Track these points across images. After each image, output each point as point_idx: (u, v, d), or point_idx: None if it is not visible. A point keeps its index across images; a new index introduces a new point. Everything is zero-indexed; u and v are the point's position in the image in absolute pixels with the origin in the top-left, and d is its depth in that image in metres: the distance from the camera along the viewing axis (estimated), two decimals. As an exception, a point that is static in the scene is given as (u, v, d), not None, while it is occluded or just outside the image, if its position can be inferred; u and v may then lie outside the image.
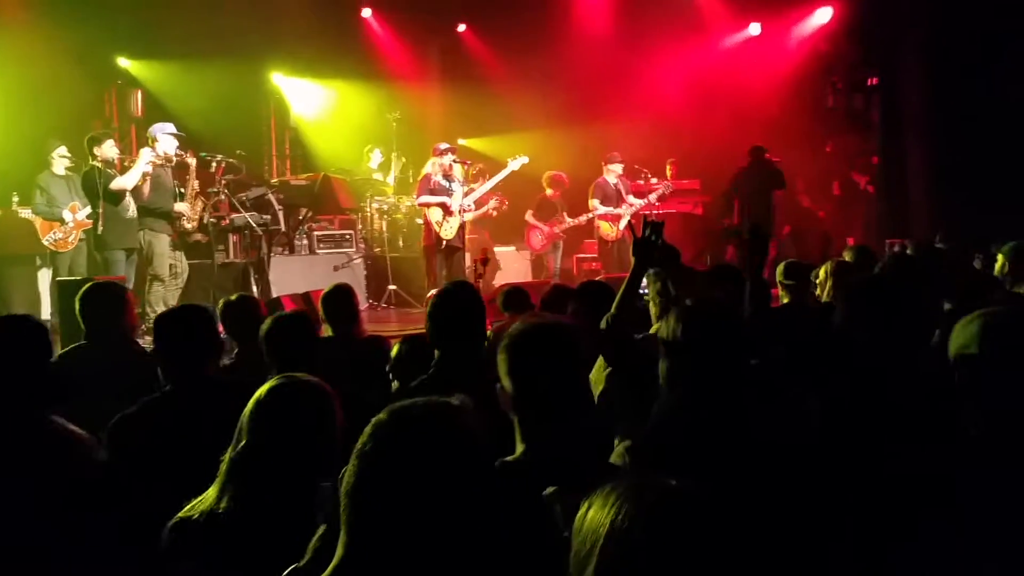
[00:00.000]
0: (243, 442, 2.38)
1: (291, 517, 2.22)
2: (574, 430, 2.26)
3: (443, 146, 10.05)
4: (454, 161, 10.01)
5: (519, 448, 2.25)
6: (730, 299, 4.26)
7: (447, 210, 9.73)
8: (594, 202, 11.30)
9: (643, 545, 1.38)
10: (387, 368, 4.05)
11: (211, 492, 2.40)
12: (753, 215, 11.55)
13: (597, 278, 10.04)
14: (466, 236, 9.90)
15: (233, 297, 5.15)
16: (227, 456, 2.40)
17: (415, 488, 1.66)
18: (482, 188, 10.06)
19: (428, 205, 9.80)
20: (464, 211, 9.79)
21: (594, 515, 1.44)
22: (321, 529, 1.98)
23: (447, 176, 9.85)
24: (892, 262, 5.06)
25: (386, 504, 1.66)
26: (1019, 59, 11.25)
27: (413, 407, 1.76)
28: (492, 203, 10.48)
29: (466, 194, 9.83)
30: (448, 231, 9.73)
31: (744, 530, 1.50)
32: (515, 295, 5.54)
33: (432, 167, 9.91)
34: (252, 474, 2.35)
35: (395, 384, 3.94)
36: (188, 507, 2.40)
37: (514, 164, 10.16)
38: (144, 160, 8.44)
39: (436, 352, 3.44)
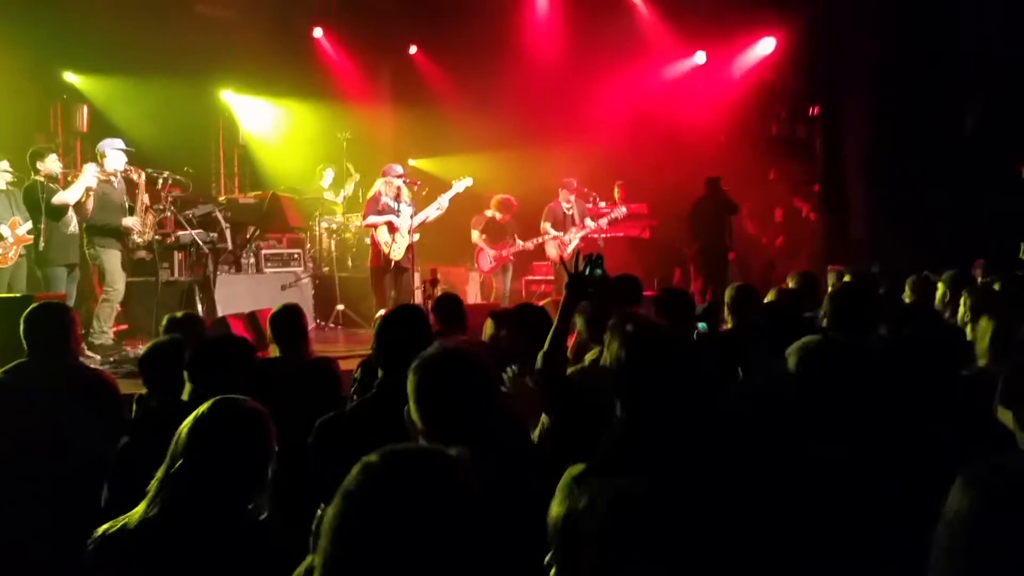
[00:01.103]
0: (179, 462, 2.40)
1: (217, 535, 2.29)
2: (487, 452, 2.28)
3: (397, 169, 10.05)
4: (405, 182, 10.01)
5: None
6: (678, 323, 4.30)
7: (394, 230, 9.73)
8: (545, 225, 11.38)
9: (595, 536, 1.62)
10: (352, 391, 4.04)
11: (138, 508, 2.42)
12: (709, 239, 11.70)
13: (544, 300, 10.08)
14: (414, 256, 9.86)
15: (179, 314, 5.07)
16: (159, 474, 2.43)
17: (400, 535, 1.61)
18: (428, 210, 10.04)
19: (375, 225, 9.80)
20: (412, 231, 9.78)
21: (556, 509, 1.73)
22: (309, 559, 1.95)
23: (396, 197, 9.86)
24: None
25: (368, 547, 1.61)
26: (962, 89, 11.55)
27: (407, 452, 1.71)
28: (434, 207, 10.31)
29: (413, 215, 9.82)
30: (396, 251, 9.75)
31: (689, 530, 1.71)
32: (448, 303, 5.53)
33: (381, 187, 9.92)
34: (184, 492, 2.38)
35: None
36: (111, 523, 2.42)
37: (459, 186, 10.17)
38: (88, 175, 8.29)
39: (379, 372, 3.46)
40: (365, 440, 3.10)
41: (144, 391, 3.99)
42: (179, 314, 5.09)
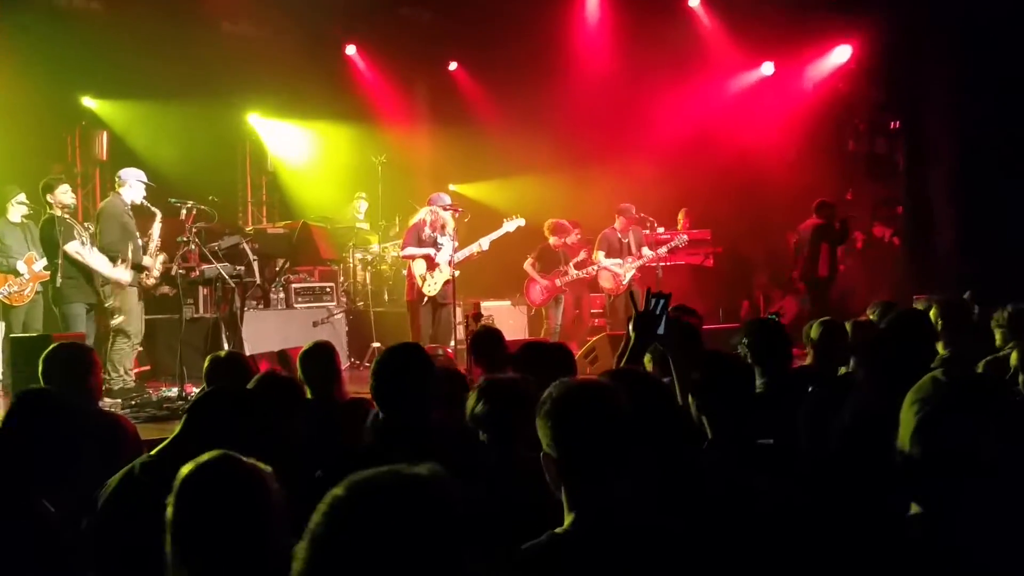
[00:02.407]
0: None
1: None
2: (627, 494, 2.32)
3: (444, 199, 10.09)
4: (453, 214, 10.03)
5: (568, 518, 2.31)
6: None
7: (433, 265, 9.77)
8: (599, 254, 11.43)
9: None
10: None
11: None
12: (815, 272, 11.72)
13: (598, 336, 10.11)
14: (453, 290, 9.88)
15: (222, 354, 5.17)
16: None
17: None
18: (469, 248, 10.04)
19: (412, 257, 9.85)
20: (453, 266, 9.80)
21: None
22: None
23: (440, 229, 9.89)
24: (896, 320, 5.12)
25: None
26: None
27: (375, 479, 1.61)
28: (475, 246, 10.35)
29: (456, 250, 9.85)
30: (431, 287, 9.75)
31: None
32: (485, 339, 5.57)
33: (426, 216, 9.94)
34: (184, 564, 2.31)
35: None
36: None
37: (509, 226, 10.18)
38: (123, 274, 8.55)
39: (380, 415, 3.58)
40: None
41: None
42: (222, 353, 5.18)
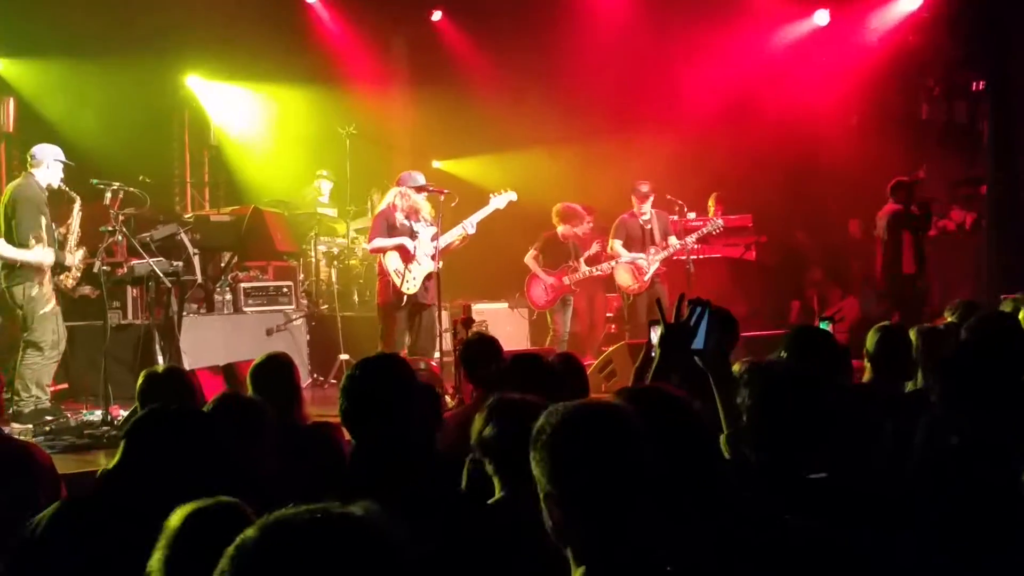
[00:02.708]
0: None
1: None
2: (647, 544, 2.31)
3: (416, 178, 10.04)
4: (428, 194, 9.98)
5: (576, 574, 2.31)
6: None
7: (409, 257, 9.73)
8: (615, 244, 11.41)
9: None
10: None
11: None
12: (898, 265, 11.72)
13: (616, 346, 10.11)
14: (438, 289, 9.85)
15: (160, 369, 5.16)
16: None
17: None
18: (451, 232, 10.00)
19: (383, 250, 9.81)
20: (435, 258, 9.76)
21: None
22: None
23: (413, 215, 9.86)
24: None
25: None
26: None
27: (293, 521, 1.60)
28: (458, 230, 10.29)
29: (435, 237, 9.83)
30: (410, 284, 9.71)
31: None
32: (477, 348, 5.61)
33: (395, 201, 9.91)
34: None
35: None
36: None
37: (498, 201, 10.13)
38: (47, 256, 8.54)
39: (352, 440, 3.58)
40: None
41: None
42: (160, 368, 5.17)
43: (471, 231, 9.98)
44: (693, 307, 3.62)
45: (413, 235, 9.82)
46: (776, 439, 3.22)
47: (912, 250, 11.80)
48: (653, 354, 4.63)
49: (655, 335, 4.76)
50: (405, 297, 9.71)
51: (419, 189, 9.92)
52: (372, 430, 3.68)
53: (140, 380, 5.05)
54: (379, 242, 9.83)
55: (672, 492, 2.52)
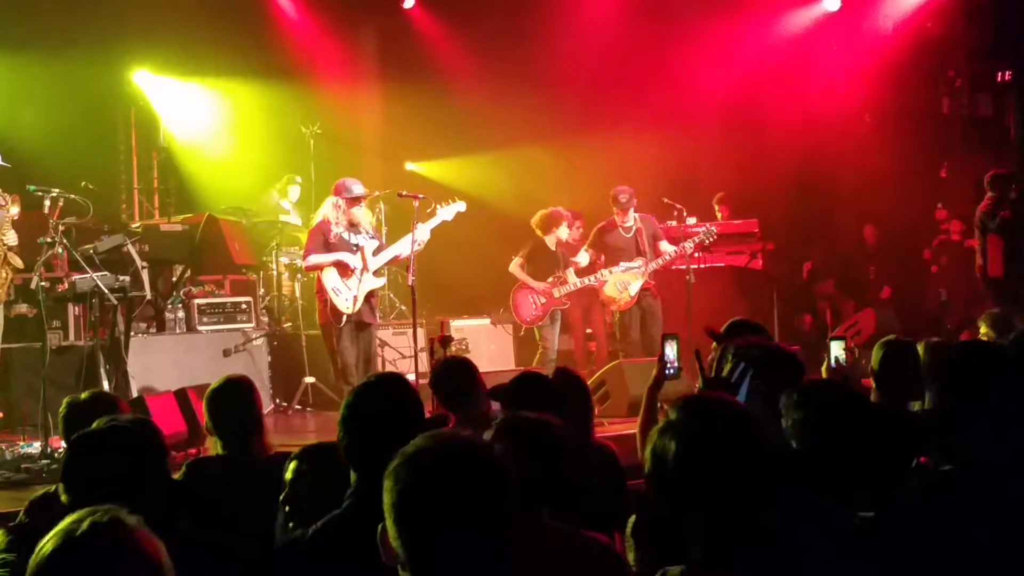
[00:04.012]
0: None
1: None
2: None
3: (354, 188, 10.04)
4: (389, 197, 10.02)
5: None
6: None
7: (347, 273, 9.76)
8: (584, 255, 11.44)
9: None
10: (280, 498, 4.05)
11: None
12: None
13: (610, 366, 10.08)
14: (413, 304, 9.84)
15: (83, 396, 5.10)
16: None
17: None
18: (399, 244, 10.01)
19: (320, 267, 9.83)
20: (377, 274, 9.85)
21: None
22: None
23: (351, 227, 9.90)
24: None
25: None
26: None
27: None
28: (406, 241, 10.28)
29: (377, 251, 9.86)
30: (346, 302, 9.74)
31: None
32: (450, 373, 5.60)
33: (331, 213, 9.92)
34: None
35: (291, 525, 3.92)
36: None
37: (445, 212, 10.16)
38: None
39: (352, 475, 3.47)
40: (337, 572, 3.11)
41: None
42: (84, 396, 5.12)
43: (425, 239, 9.96)
44: (737, 361, 3.66)
45: (352, 249, 9.83)
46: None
47: (998, 252, 11.69)
48: (669, 371, 4.63)
49: (671, 350, 4.78)
50: (344, 316, 9.72)
51: (355, 200, 9.92)
52: (378, 460, 3.51)
53: (62, 408, 5.00)
54: (315, 258, 9.87)
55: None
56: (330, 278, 9.79)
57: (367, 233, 9.99)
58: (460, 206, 10.16)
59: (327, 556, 3.25)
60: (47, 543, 2.30)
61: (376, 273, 9.85)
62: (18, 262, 8.97)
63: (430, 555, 2.26)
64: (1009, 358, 4.47)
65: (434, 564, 2.26)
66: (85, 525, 2.34)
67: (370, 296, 9.86)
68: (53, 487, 3.61)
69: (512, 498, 2.33)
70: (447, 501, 2.27)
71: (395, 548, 2.29)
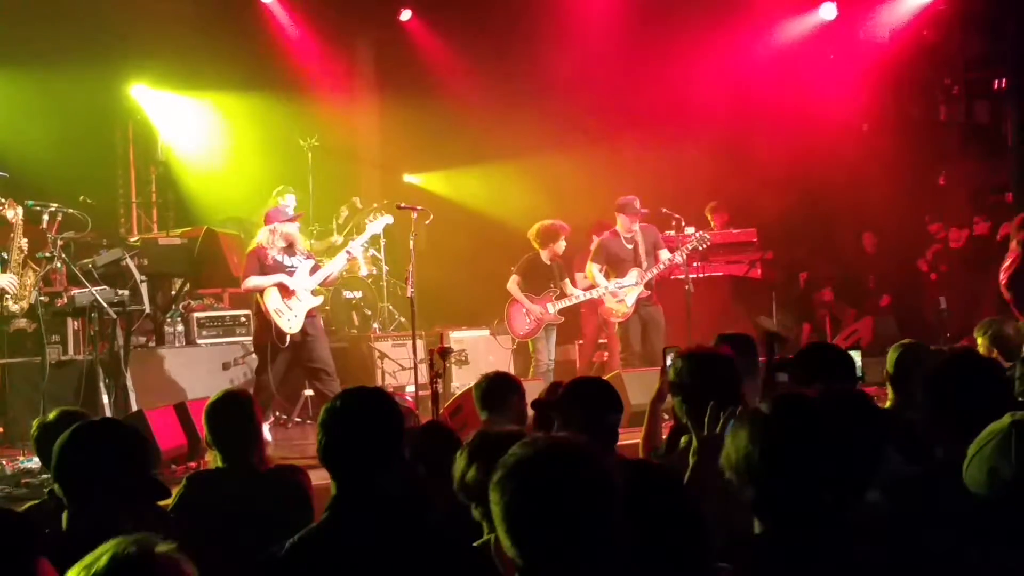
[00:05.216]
0: None
1: None
2: None
3: (285, 210, 10.13)
4: (408, 210, 10.05)
5: None
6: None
7: (288, 293, 9.79)
8: (593, 269, 11.39)
9: None
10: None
11: None
12: None
13: (611, 375, 10.09)
14: (412, 316, 9.88)
15: (52, 416, 5.08)
16: None
17: None
18: (333, 263, 10.07)
19: (260, 288, 9.85)
20: (315, 293, 9.93)
21: None
22: None
23: (288, 249, 9.95)
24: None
25: None
26: None
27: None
28: (342, 258, 10.39)
29: (314, 270, 9.93)
30: (290, 322, 9.75)
31: None
32: (498, 386, 5.63)
33: (265, 238, 9.96)
34: None
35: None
36: None
37: (374, 227, 10.25)
38: None
39: (332, 486, 3.52)
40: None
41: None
42: (52, 416, 5.08)
43: (358, 253, 10.09)
44: (720, 409, 3.90)
45: (290, 272, 9.86)
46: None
47: None
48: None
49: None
50: (288, 337, 9.73)
51: (286, 221, 10.00)
52: (357, 470, 3.57)
53: (34, 429, 5.01)
54: (254, 280, 9.86)
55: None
56: (272, 300, 9.80)
57: (302, 254, 10.04)
58: (387, 219, 10.30)
59: (302, 572, 3.25)
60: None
61: (314, 292, 9.92)
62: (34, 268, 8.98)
63: (545, 558, 2.32)
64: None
65: (552, 567, 2.32)
66: (104, 560, 2.33)
67: (309, 314, 9.88)
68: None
69: (617, 494, 2.38)
70: (556, 507, 2.32)
71: (512, 556, 2.34)
